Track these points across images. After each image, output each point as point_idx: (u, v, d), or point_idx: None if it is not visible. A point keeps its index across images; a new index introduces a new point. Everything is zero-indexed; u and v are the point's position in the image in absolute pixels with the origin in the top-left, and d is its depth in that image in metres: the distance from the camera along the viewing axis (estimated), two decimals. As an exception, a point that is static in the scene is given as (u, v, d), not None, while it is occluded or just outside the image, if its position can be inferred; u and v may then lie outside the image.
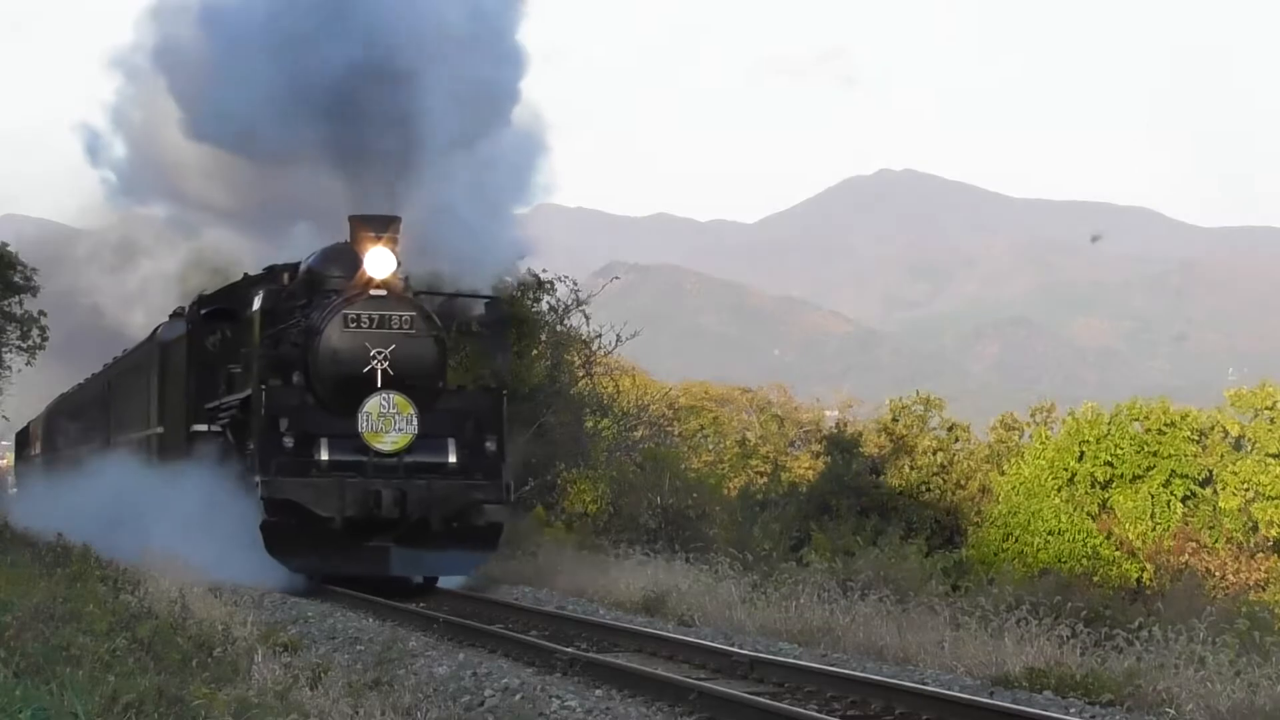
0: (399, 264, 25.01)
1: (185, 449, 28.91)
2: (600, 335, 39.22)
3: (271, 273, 27.92)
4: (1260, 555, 43.72)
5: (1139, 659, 16.36)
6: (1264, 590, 41.85)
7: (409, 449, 24.42)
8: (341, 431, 24.36)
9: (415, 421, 24.35)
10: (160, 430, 31.68)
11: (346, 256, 25.66)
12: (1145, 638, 16.84)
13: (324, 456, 24.35)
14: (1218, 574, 42.76)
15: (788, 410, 65.64)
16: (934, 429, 50.02)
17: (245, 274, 29.32)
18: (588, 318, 37.66)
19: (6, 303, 45.47)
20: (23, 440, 63.04)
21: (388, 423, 24.33)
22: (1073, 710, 14.38)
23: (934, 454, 48.29)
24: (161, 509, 27.35)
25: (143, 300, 48.91)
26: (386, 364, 24.56)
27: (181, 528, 25.74)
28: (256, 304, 26.30)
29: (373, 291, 24.89)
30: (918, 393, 51.66)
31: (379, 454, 24.31)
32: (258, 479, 24.28)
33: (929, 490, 46.96)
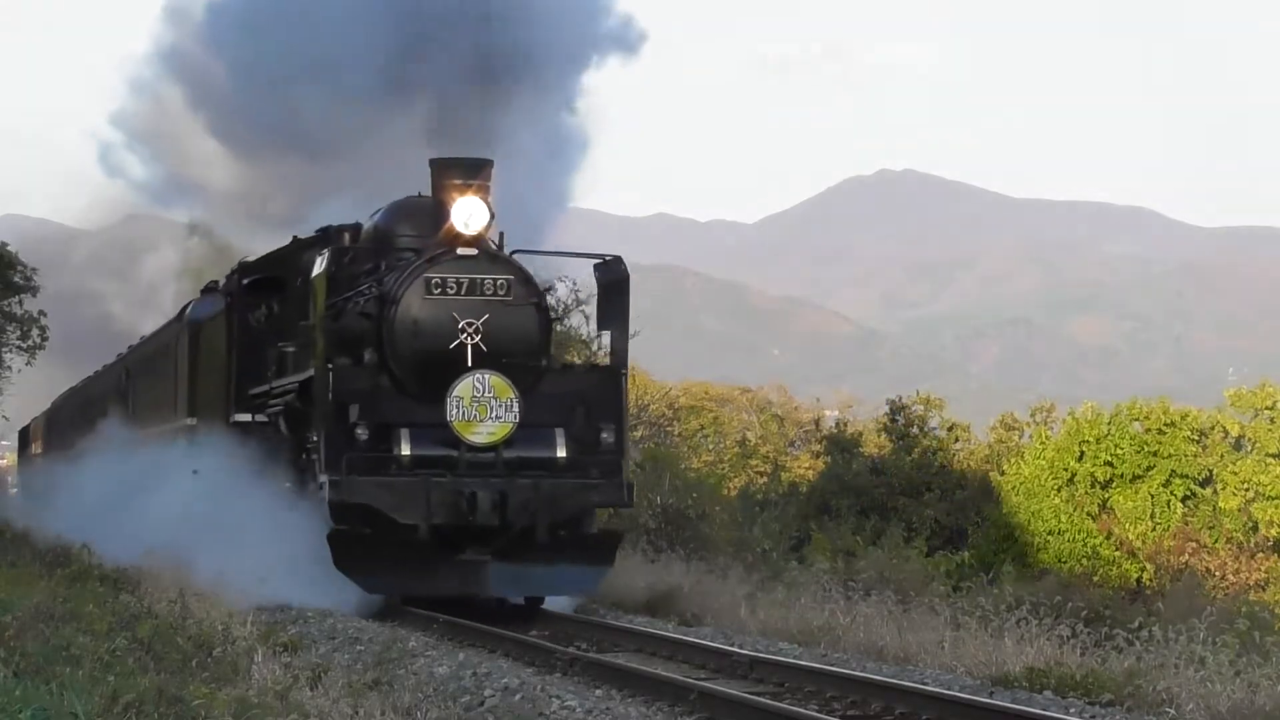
0: (492, 216, 21.18)
1: (224, 443, 24.76)
2: (600, 335, 39.19)
3: (326, 235, 24.02)
4: (1260, 555, 43.72)
5: (1139, 659, 16.37)
6: (1264, 590, 41.86)
7: (508, 441, 20.56)
8: (425, 420, 20.56)
9: (516, 407, 20.47)
10: (191, 422, 27.62)
11: (421, 212, 22.13)
12: (1145, 638, 16.86)
13: (405, 451, 20.54)
14: (1218, 574, 42.77)
15: (788, 410, 65.66)
16: (934, 429, 50.05)
17: (294, 237, 25.14)
18: (588, 318, 37.65)
19: (6, 303, 45.50)
20: (26, 438, 62.41)
21: (483, 409, 20.44)
22: (1073, 710, 14.38)
23: (934, 454, 48.32)
24: (193, 516, 23.73)
25: (153, 301, 48.92)
26: (479, 338, 20.74)
27: (221, 539, 22.08)
28: (320, 267, 21.83)
29: (460, 250, 21.00)
30: (918, 392, 51.68)
31: (472, 447, 20.43)
32: (324, 479, 20.55)
33: (929, 490, 46.96)
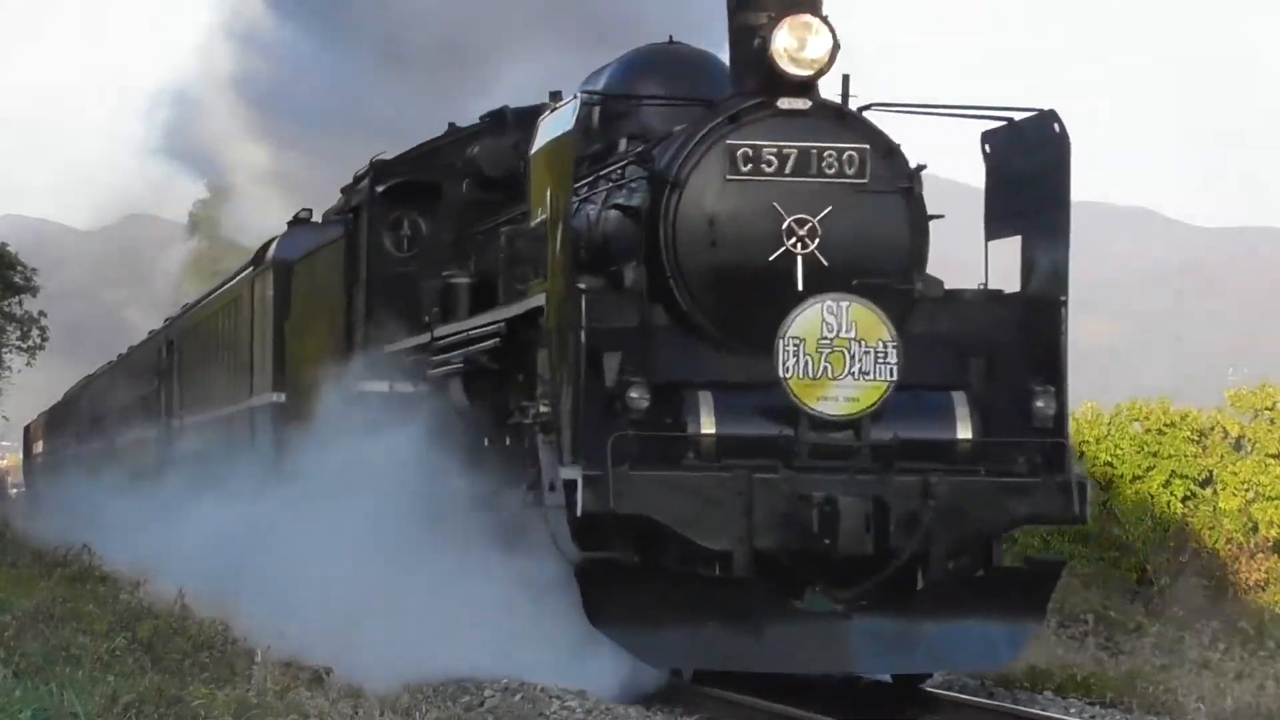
0: (837, 47, 13.18)
1: (340, 423, 16.75)
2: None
3: (501, 119, 17.33)
4: (1260, 555, 43.74)
5: (1141, 660, 16.38)
6: (1264, 590, 41.88)
7: (877, 413, 12.84)
8: (736, 378, 13.01)
9: (895, 357, 12.77)
10: (278, 398, 20.83)
11: (681, 64, 15.11)
12: (1154, 635, 16.87)
13: (707, 429, 12.75)
14: (1218, 574, 42.79)
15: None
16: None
17: (451, 124, 18.01)
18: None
19: (6, 303, 45.58)
20: (33, 435, 61.70)
21: (838, 360, 12.68)
22: (1073, 710, 14.38)
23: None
24: (288, 540, 16.06)
25: (159, 299, 49.10)
26: (814, 244, 13.03)
27: (349, 579, 14.45)
28: (561, 126, 13.10)
29: (784, 103, 13.20)
30: (918, 392, 51.77)
31: (820, 423, 12.73)
32: (568, 475, 12.49)
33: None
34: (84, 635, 14.07)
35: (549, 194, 13.26)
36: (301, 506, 16.35)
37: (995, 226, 14.46)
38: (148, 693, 11.24)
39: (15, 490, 63.61)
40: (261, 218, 34.60)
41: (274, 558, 16.22)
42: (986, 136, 14.38)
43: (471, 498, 14.49)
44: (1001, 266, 14.25)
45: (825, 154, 13.24)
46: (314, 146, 29.26)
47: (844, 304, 12.80)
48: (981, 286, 14.17)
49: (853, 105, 13.80)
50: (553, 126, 13.39)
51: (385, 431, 15.65)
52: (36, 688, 11.35)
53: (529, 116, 15.57)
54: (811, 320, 12.76)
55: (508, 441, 14.43)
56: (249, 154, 32.62)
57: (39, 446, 58.77)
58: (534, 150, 13.73)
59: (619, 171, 14.15)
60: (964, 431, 13.25)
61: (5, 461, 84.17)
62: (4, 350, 46.76)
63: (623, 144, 14.78)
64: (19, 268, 45.32)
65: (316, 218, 22.51)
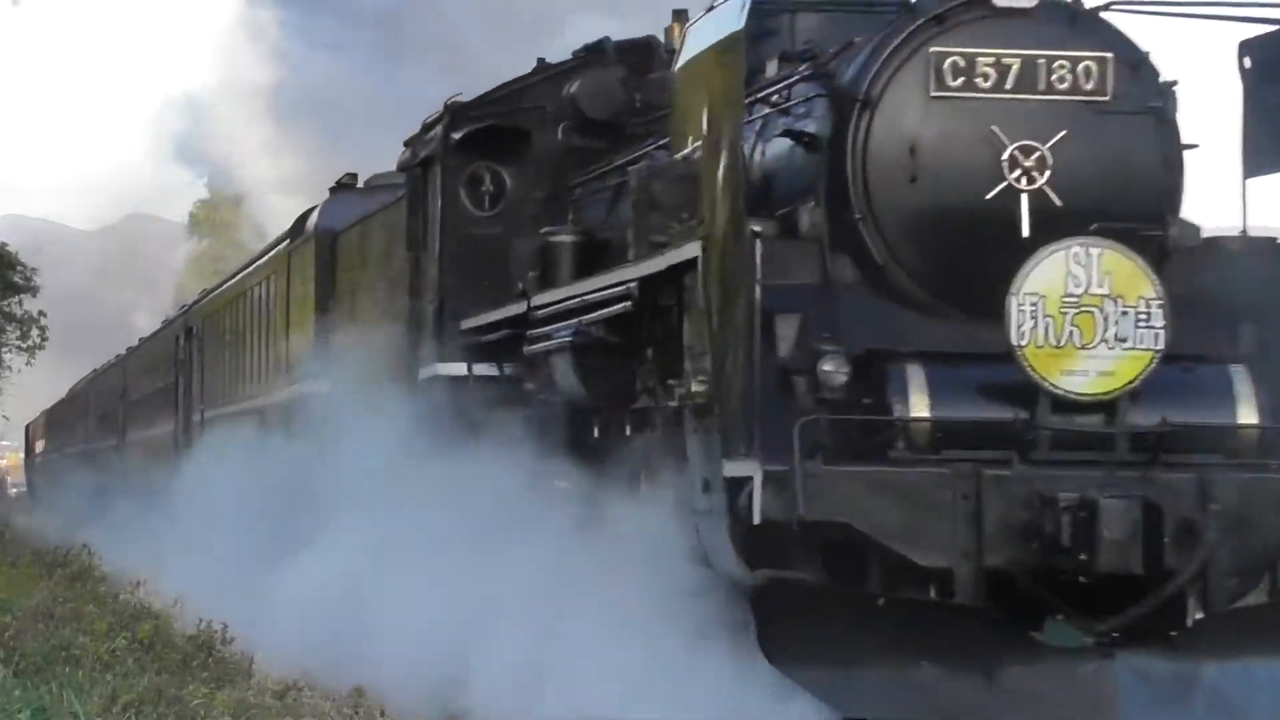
0: None
1: (403, 415, 14.03)
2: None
3: (599, 54, 14.78)
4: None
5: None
6: (1264, 590, 41.99)
7: (1135, 391, 9.88)
8: (948, 348, 10.09)
9: (1159, 319, 9.85)
10: (323, 387, 17.85)
11: None
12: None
13: (918, 412, 9.82)
14: (1218, 574, 42.90)
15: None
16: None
17: (540, 59, 15.24)
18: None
19: (6, 303, 45.54)
20: (34, 434, 61.09)
21: (1087, 324, 9.82)
22: (1072, 710, 14.30)
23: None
24: (345, 557, 13.38)
25: (160, 298, 49.05)
26: (1044, 179, 10.20)
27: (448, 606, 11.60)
28: (730, 22, 9.73)
29: (1003, 0, 10.38)
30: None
31: (1065, 403, 9.81)
32: (742, 470, 9.43)
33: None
34: (84, 635, 14.10)
35: (705, 115, 10.04)
36: (357, 516, 13.83)
37: (1259, 160, 11.45)
38: (147, 693, 11.27)
39: (15, 490, 63.44)
40: (275, 221, 34.01)
41: (319, 573, 13.83)
42: (1246, 47, 11.41)
43: (588, 505, 11.63)
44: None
45: (1056, 64, 10.36)
46: (328, 142, 28.87)
47: (1095, 251, 9.87)
48: (1242, 233, 11.22)
49: (1087, 4, 10.86)
50: (711, 29, 10.13)
51: (464, 425, 13.10)
52: (36, 688, 11.38)
53: (635, 51, 14.34)
54: (1053, 272, 9.84)
55: (628, 432, 11.68)
56: (263, 154, 32.49)
57: (40, 446, 58.46)
58: (680, 64, 10.72)
59: (783, 93, 11.13)
60: (1248, 415, 10.19)
61: (5, 461, 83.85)
62: (4, 350, 46.70)
63: (772, 67, 11.68)
64: (19, 268, 45.24)
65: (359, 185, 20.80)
